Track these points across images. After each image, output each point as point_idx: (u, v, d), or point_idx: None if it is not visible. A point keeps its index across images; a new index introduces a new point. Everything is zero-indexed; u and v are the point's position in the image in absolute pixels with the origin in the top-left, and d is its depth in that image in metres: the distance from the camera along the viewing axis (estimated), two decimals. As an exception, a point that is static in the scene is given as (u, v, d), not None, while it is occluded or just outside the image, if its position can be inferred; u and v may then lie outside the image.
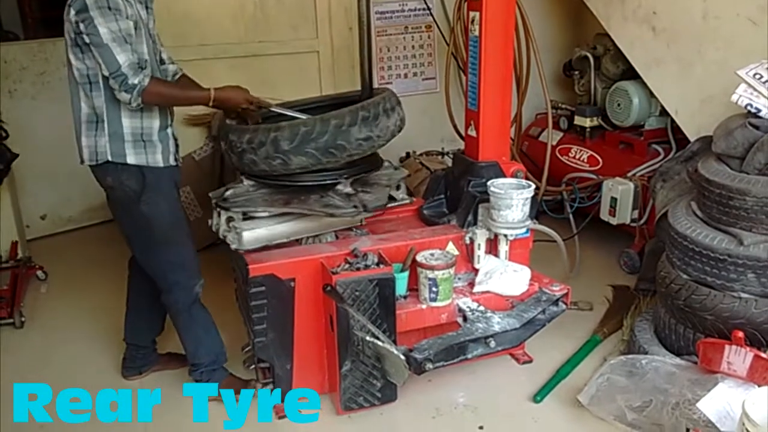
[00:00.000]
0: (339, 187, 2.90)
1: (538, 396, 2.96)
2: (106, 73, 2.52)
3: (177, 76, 2.97)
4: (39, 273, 4.25)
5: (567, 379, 3.07)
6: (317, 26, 4.86)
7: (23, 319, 3.72)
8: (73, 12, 2.49)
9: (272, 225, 2.86)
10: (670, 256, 2.94)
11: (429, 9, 4.96)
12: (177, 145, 2.87)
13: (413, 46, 5.17)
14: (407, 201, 3.33)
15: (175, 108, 2.87)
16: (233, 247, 2.82)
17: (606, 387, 2.77)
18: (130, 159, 2.68)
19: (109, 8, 2.47)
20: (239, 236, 2.80)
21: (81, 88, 2.63)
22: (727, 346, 2.55)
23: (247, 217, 2.88)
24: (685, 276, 2.83)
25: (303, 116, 2.88)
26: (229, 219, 2.87)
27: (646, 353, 2.91)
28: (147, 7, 2.75)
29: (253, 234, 2.82)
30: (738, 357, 2.52)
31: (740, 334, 2.53)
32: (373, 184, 3.09)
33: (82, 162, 2.74)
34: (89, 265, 4.41)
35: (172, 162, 2.81)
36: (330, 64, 4.92)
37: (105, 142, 2.65)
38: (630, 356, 2.88)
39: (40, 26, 6.02)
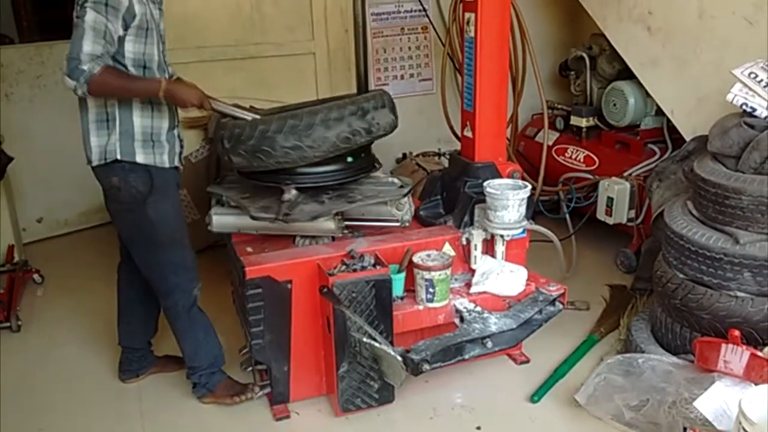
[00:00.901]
0: (285, 192, 2.91)
1: (536, 396, 2.96)
2: (67, 53, 2.47)
3: (172, 79, 2.97)
4: (35, 276, 4.24)
5: (564, 378, 3.07)
6: (313, 28, 4.86)
7: (20, 322, 3.71)
8: (77, 7, 2.49)
9: (242, 216, 2.98)
10: (666, 256, 2.94)
11: (425, 10, 4.96)
12: (182, 147, 2.87)
13: (409, 48, 5.18)
14: (395, 224, 3.11)
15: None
16: (208, 227, 3.02)
17: (603, 386, 2.77)
18: (139, 158, 2.67)
19: (107, 4, 2.47)
20: (210, 218, 3.05)
21: None
22: (723, 345, 2.55)
23: (222, 203, 3.09)
24: (681, 275, 2.84)
25: (249, 117, 2.86)
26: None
27: (643, 352, 2.91)
28: (160, 8, 2.74)
29: (220, 219, 3.04)
30: (734, 356, 2.52)
31: (737, 332, 2.54)
32: (353, 195, 3.06)
33: (90, 163, 2.71)
34: (86, 268, 4.40)
35: (176, 163, 2.81)
36: (326, 66, 4.92)
37: (115, 140, 2.64)
38: (627, 355, 2.89)
39: (35, 30, 6.01)
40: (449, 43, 4.68)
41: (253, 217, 2.90)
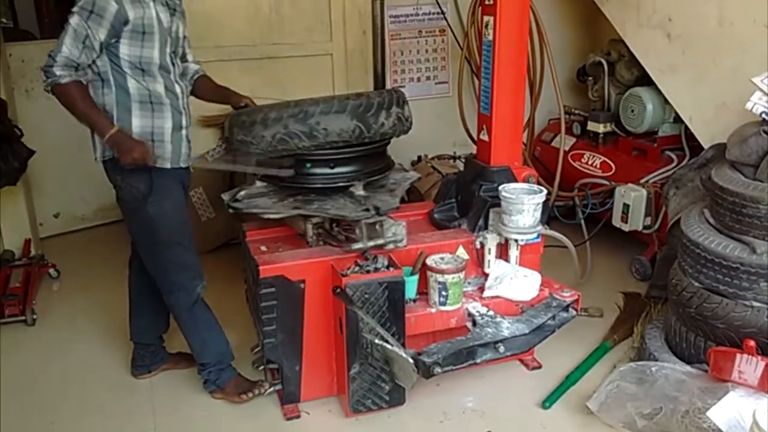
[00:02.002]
0: (352, 189, 2.90)
1: (547, 402, 2.94)
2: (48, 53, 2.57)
3: (196, 76, 3.01)
4: (51, 271, 4.29)
5: (576, 385, 3.05)
6: (331, 29, 4.87)
7: (35, 316, 3.75)
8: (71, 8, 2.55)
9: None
10: (682, 264, 2.92)
11: (443, 13, 4.96)
12: (190, 148, 2.88)
13: (426, 50, 5.18)
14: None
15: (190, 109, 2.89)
16: (401, 245, 2.81)
17: (616, 394, 2.76)
18: None
19: (91, 11, 2.53)
20: (403, 230, 2.81)
21: (92, 86, 2.66)
22: (738, 355, 2.54)
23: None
24: (696, 284, 2.81)
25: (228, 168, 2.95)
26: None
27: (657, 361, 2.89)
28: (173, 11, 2.76)
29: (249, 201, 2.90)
30: (749, 366, 2.50)
31: (752, 343, 2.52)
32: (383, 187, 3.08)
33: (95, 156, 2.76)
34: (101, 263, 4.43)
35: (181, 164, 2.82)
36: (343, 67, 4.93)
37: None
38: (640, 363, 2.87)
39: (57, 26, 6.05)
40: (467, 46, 4.67)
41: (343, 217, 2.81)
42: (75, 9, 2.53)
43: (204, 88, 3.05)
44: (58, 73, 2.54)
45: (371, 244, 2.78)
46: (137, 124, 2.69)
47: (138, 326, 3.16)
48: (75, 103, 2.61)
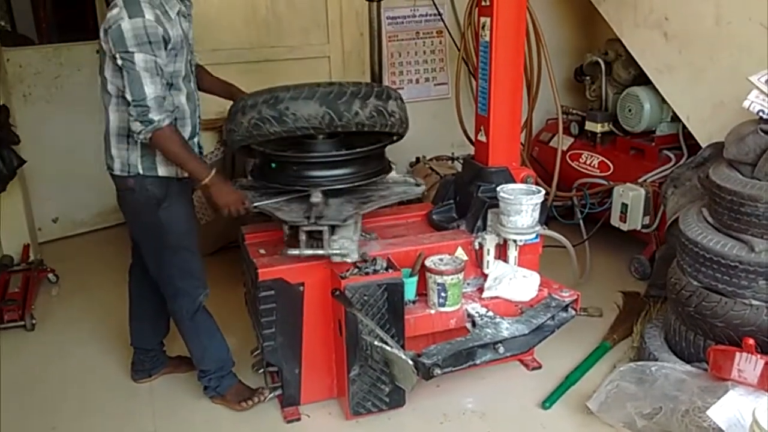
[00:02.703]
0: (392, 175, 2.94)
1: (547, 402, 2.95)
2: (129, 98, 2.50)
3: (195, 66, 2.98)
4: (50, 276, 4.28)
5: (576, 385, 3.05)
6: (328, 31, 4.87)
7: (34, 321, 3.75)
8: (109, 37, 2.47)
9: (353, 226, 2.84)
10: (680, 263, 2.92)
11: (440, 15, 4.96)
12: (201, 154, 2.89)
13: (424, 52, 5.17)
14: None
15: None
16: (350, 259, 2.73)
17: (615, 394, 2.76)
18: (161, 172, 2.70)
19: (150, 42, 2.47)
20: (355, 244, 2.76)
21: (115, 103, 2.63)
22: (737, 354, 2.54)
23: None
24: (695, 283, 2.82)
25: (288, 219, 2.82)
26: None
27: (656, 360, 2.90)
28: (188, 16, 2.75)
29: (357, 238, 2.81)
30: (749, 364, 2.51)
31: (751, 341, 2.52)
32: (366, 195, 3.01)
33: (112, 170, 2.73)
34: (100, 268, 4.43)
35: None
36: (341, 69, 4.93)
37: (137, 156, 2.67)
38: (640, 363, 2.87)
39: (54, 31, 6.07)
40: (464, 47, 4.68)
41: (288, 224, 2.81)
42: (132, 48, 2.44)
43: (205, 79, 3.02)
44: (157, 117, 2.50)
45: (308, 252, 2.75)
46: None
47: (138, 331, 3.16)
48: (174, 146, 2.59)
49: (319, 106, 2.68)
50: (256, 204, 2.85)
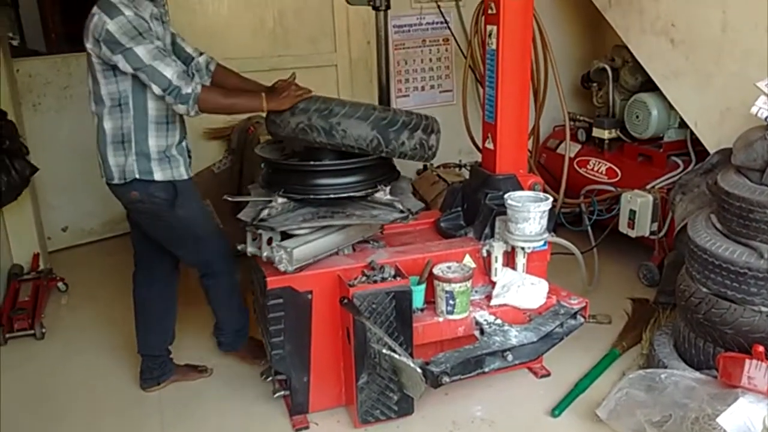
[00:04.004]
0: (378, 195, 2.89)
1: (556, 410, 2.94)
2: (159, 92, 2.59)
3: (212, 67, 3.02)
4: (60, 284, 4.30)
5: (585, 393, 3.04)
6: (336, 40, 4.90)
7: (44, 330, 3.76)
8: (102, 44, 2.55)
9: (315, 240, 2.80)
10: (689, 270, 2.91)
11: (446, 22, 4.98)
12: (190, 157, 2.95)
13: (431, 59, 5.20)
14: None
15: (192, 121, 2.93)
16: (282, 267, 2.69)
17: (625, 401, 2.75)
18: (157, 176, 2.76)
19: (140, 34, 2.55)
20: (290, 255, 2.68)
21: (109, 111, 2.70)
22: (747, 361, 2.52)
23: (285, 236, 2.77)
24: (704, 289, 2.81)
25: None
26: (270, 239, 2.79)
27: (666, 367, 2.88)
28: (163, 22, 2.80)
29: (301, 251, 2.73)
30: (758, 372, 2.49)
31: (761, 348, 2.51)
32: (396, 190, 3.05)
33: (110, 180, 2.79)
34: (110, 276, 4.45)
35: (191, 173, 2.90)
36: (348, 78, 4.95)
37: (132, 161, 2.73)
38: (649, 370, 2.86)
39: (63, 41, 6.10)
40: (471, 54, 4.69)
41: (382, 222, 2.89)
42: (128, 44, 2.52)
43: (230, 81, 3.03)
44: (189, 89, 2.58)
45: (251, 250, 2.85)
46: (153, 143, 2.74)
47: (145, 338, 3.17)
48: (221, 100, 2.69)
49: (370, 129, 2.74)
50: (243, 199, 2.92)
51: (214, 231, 3.03)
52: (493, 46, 3.00)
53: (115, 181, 2.77)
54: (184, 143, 2.88)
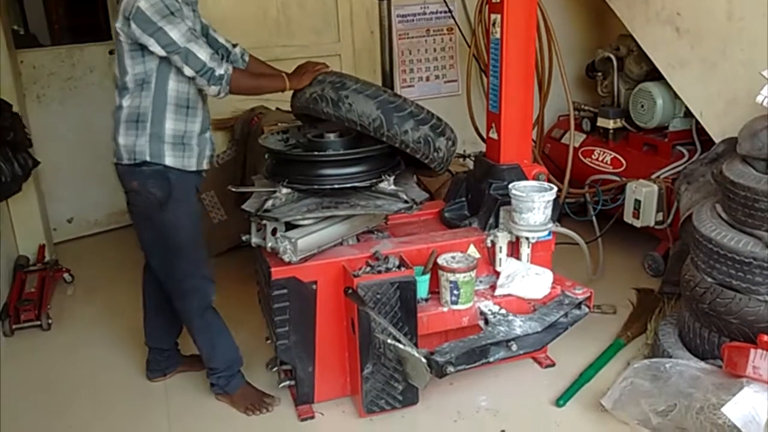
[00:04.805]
0: (382, 185, 2.88)
1: (561, 400, 2.94)
2: (191, 74, 2.58)
3: (246, 56, 3.04)
4: (66, 276, 4.32)
5: (590, 383, 3.05)
6: (339, 30, 4.88)
7: (50, 321, 3.78)
8: (132, 22, 2.51)
9: (319, 231, 2.80)
10: (694, 259, 2.91)
11: (450, 12, 4.96)
12: (213, 149, 2.89)
13: (435, 49, 5.18)
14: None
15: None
16: (286, 258, 2.69)
17: (630, 391, 2.75)
18: (168, 161, 2.70)
19: (172, 13, 2.52)
20: (294, 245, 2.68)
21: (129, 91, 2.64)
22: (752, 350, 2.52)
23: (289, 226, 2.78)
24: (709, 279, 2.80)
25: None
26: (274, 230, 2.78)
27: (671, 357, 2.89)
28: (193, 10, 2.77)
29: (306, 242, 2.72)
30: (763, 361, 2.49)
31: (766, 338, 2.51)
32: (400, 180, 3.04)
33: (120, 160, 2.73)
34: (115, 267, 4.47)
35: (204, 166, 2.83)
36: (352, 68, 4.93)
37: (145, 141, 2.66)
38: (654, 360, 2.86)
39: (66, 32, 6.11)
40: (475, 44, 4.67)
41: (387, 212, 2.89)
42: (159, 23, 2.49)
43: (262, 70, 3.03)
44: (222, 71, 2.60)
45: (255, 240, 2.86)
46: (170, 126, 2.68)
47: (153, 331, 3.17)
48: (250, 81, 2.77)
49: (375, 108, 2.73)
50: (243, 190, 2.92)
51: (193, 248, 2.84)
52: (498, 35, 2.99)
53: (124, 161, 2.71)
54: (207, 134, 2.82)
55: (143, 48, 2.57)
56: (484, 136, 3.28)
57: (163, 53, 2.55)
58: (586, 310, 2.93)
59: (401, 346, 2.57)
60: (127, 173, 2.74)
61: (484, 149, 3.32)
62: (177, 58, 2.55)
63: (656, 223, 3.95)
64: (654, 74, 4.13)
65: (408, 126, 2.78)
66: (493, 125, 3.14)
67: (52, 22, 6.18)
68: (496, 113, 3.09)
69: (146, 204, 2.74)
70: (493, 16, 3.02)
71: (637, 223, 4.00)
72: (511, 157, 3.11)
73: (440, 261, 2.84)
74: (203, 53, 2.56)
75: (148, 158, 2.67)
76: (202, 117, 2.79)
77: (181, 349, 3.27)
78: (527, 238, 2.94)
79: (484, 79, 4.61)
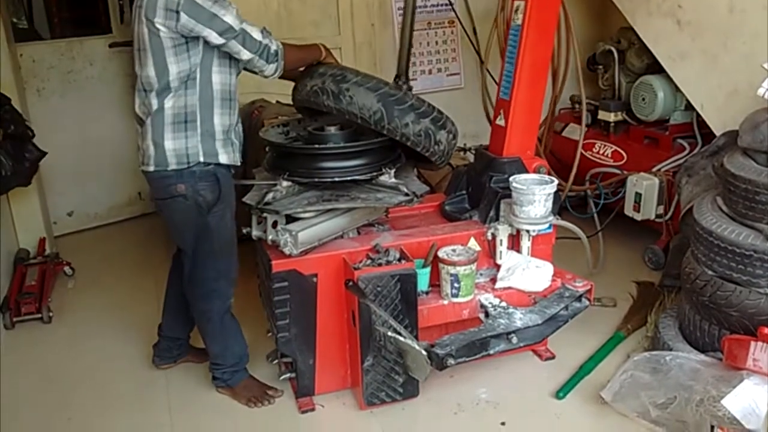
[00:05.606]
0: (383, 178, 2.87)
1: (561, 392, 2.95)
2: (248, 56, 2.55)
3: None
4: (66, 269, 4.32)
5: (590, 375, 3.05)
6: (339, 23, 4.87)
7: (51, 314, 3.78)
8: (181, 14, 2.40)
9: (320, 223, 2.79)
10: (695, 252, 2.91)
11: (451, 4, 4.94)
12: (241, 144, 2.81)
13: (436, 42, 5.16)
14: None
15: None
16: (287, 251, 2.68)
17: (630, 383, 2.75)
18: (222, 158, 2.65)
19: (215, 2, 2.45)
20: (295, 238, 2.66)
21: (173, 91, 2.54)
22: (752, 343, 2.52)
23: (290, 219, 2.76)
24: (710, 272, 2.80)
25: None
26: (275, 223, 2.78)
27: (671, 350, 2.89)
28: None
29: (306, 234, 2.71)
30: (763, 354, 2.49)
31: (766, 330, 2.50)
32: (401, 173, 3.03)
33: (164, 167, 2.60)
34: (115, 261, 4.47)
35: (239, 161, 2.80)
36: (352, 60, 4.92)
37: (197, 141, 2.59)
38: (654, 353, 2.86)
39: (67, 26, 6.10)
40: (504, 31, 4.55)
41: (387, 206, 2.92)
42: (212, 8, 2.41)
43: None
44: (276, 47, 2.61)
45: (256, 233, 2.85)
46: (218, 122, 2.62)
47: (171, 322, 3.14)
48: (294, 53, 2.76)
49: (376, 101, 2.73)
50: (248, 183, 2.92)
51: (229, 252, 2.81)
52: (519, 22, 2.99)
53: (171, 167, 2.59)
54: (239, 126, 2.77)
55: (188, 42, 2.48)
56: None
57: (220, 41, 2.48)
58: (587, 302, 2.93)
59: (402, 338, 2.57)
60: (172, 178, 2.62)
61: (484, 143, 3.31)
62: (234, 43, 2.49)
63: (657, 216, 3.95)
64: (655, 67, 4.12)
65: (409, 119, 2.78)
66: (502, 112, 3.13)
67: (52, 15, 6.17)
68: (507, 100, 3.08)
69: (194, 207, 2.66)
70: (516, 3, 3.02)
71: (638, 216, 4.00)
72: (515, 145, 3.11)
73: (441, 254, 2.84)
74: (256, 32, 2.53)
75: (202, 159, 2.60)
76: (237, 108, 2.75)
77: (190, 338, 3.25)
78: (528, 231, 2.94)
79: (483, 71, 4.60)
